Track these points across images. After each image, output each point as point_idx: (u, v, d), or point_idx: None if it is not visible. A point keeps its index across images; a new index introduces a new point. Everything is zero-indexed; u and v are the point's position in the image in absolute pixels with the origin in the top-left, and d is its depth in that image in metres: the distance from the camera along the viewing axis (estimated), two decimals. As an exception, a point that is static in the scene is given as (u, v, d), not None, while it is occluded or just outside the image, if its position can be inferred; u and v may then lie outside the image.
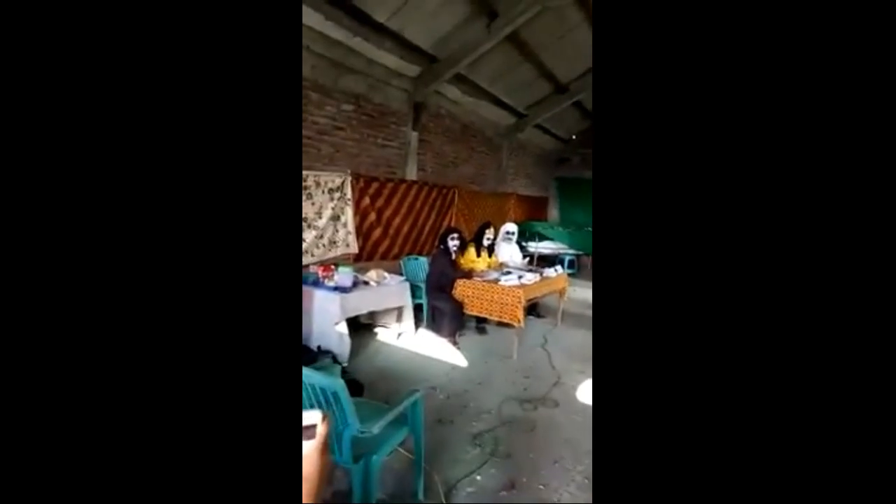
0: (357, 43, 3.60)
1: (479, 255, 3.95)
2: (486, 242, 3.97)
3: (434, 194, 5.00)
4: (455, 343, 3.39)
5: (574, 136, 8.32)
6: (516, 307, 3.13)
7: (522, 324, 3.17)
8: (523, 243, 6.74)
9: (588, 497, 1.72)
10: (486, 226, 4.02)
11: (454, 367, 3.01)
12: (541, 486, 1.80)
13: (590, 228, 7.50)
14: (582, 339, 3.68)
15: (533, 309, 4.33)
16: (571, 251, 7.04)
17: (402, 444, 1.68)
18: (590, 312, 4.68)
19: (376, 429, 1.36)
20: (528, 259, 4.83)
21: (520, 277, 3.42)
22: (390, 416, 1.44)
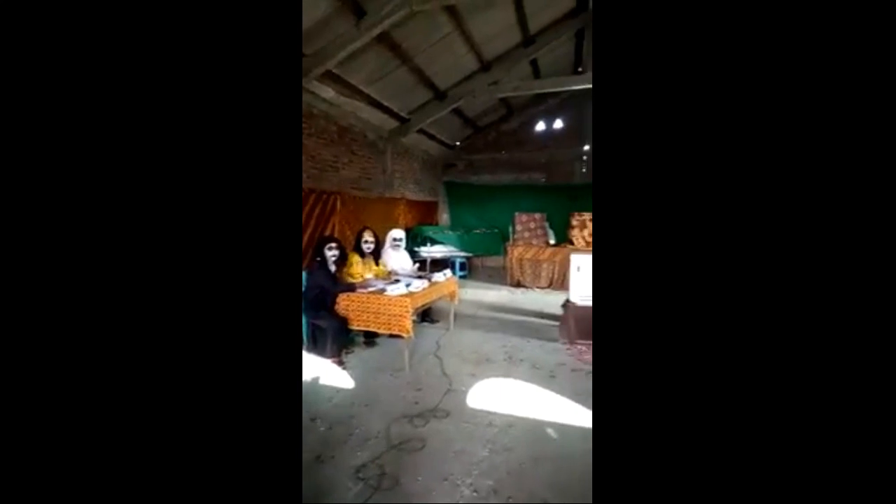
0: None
1: (364, 263, 3.71)
2: (366, 249, 3.75)
3: (312, 200, 4.59)
4: (341, 363, 3.09)
5: (459, 143, 8.62)
6: (404, 317, 2.99)
7: (412, 334, 3.04)
8: (415, 248, 6.68)
9: (478, 512, 1.64)
10: (363, 231, 3.80)
11: (339, 391, 2.72)
12: (430, 512, 1.66)
13: (478, 231, 7.83)
14: (474, 341, 3.71)
15: (426, 315, 4.25)
16: (462, 254, 7.23)
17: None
18: (482, 312, 4.82)
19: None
20: (418, 265, 4.75)
21: (407, 285, 3.29)
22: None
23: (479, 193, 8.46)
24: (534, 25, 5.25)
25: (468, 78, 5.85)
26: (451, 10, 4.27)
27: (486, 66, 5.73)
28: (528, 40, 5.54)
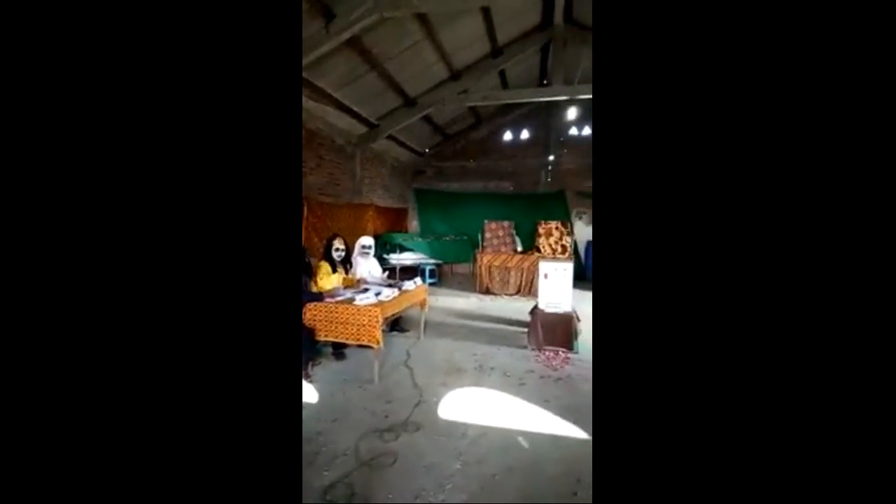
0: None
1: (334, 271, 3.60)
2: (336, 257, 3.65)
3: (278, 208, 4.41)
4: (307, 376, 2.98)
5: (428, 150, 8.63)
6: (374, 327, 2.92)
7: (382, 344, 2.97)
8: (384, 255, 6.60)
9: (451, 528, 1.61)
10: (334, 238, 3.70)
11: (305, 406, 2.61)
12: (402, 531, 1.61)
13: (448, 237, 7.84)
14: (445, 350, 3.69)
15: (396, 323, 4.19)
16: (432, 261, 7.21)
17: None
18: (452, 320, 4.80)
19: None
20: (388, 272, 4.68)
21: (377, 294, 3.23)
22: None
23: (448, 200, 8.50)
24: (502, 37, 5.37)
25: (438, 86, 5.88)
26: (422, 18, 4.28)
27: (455, 75, 5.79)
28: (496, 51, 5.66)
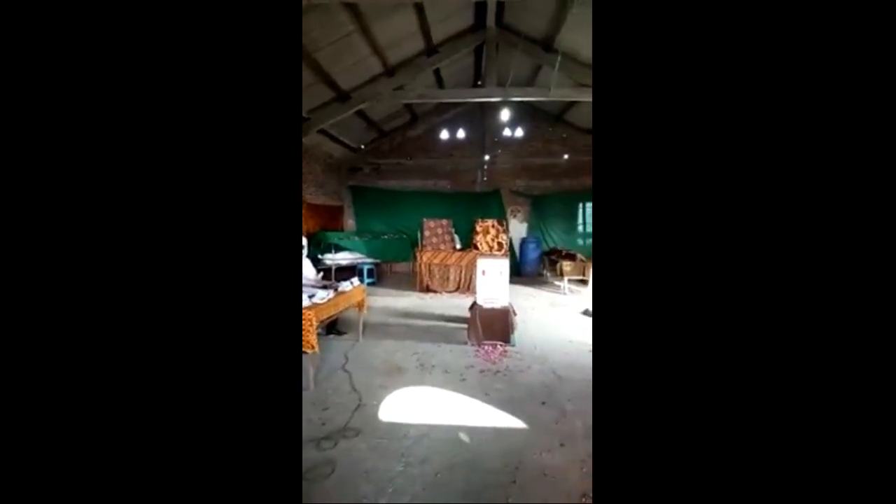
0: None
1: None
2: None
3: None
4: (233, 389, 2.72)
5: (364, 146, 8.39)
6: (308, 331, 2.76)
7: (317, 349, 2.82)
8: (319, 255, 6.29)
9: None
10: None
11: (231, 423, 2.39)
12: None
13: (387, 236, 7.70)
14: (385, 351, 3.60)
15: (333, 326, 4.01)
16: (370, 260, 7.03)
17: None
18: (393, 320, 4.72)
19: None
20: (322, 273, 4.46)
21: (311, 297, 3.05)
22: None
23: (386, 198, 8.34)
24: (436, 35, 5.38)
25: (372, 80, 5.73)
26: (354, 9, 4.13)
27: (390, 71, 5.68)
28: (431, 50, 5.65)
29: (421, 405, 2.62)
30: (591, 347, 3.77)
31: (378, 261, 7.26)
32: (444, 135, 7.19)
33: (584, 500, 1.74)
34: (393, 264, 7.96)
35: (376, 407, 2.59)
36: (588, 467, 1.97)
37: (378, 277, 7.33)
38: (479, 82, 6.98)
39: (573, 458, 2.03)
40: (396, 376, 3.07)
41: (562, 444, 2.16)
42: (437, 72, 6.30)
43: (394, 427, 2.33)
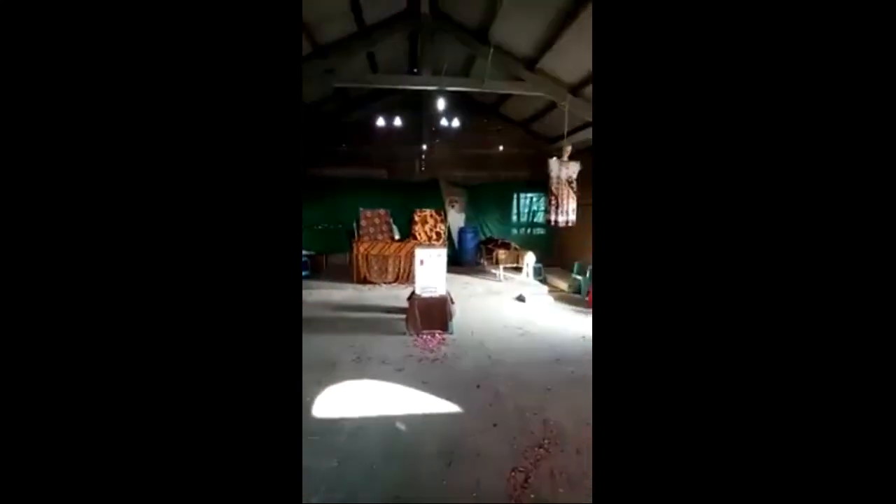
0: None
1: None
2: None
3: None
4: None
5: (294, 131, 7.89)
6: (231, 330, 2.55)
7: (242, 348, 2.63)
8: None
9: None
10: None
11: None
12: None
13: (322, 227, 7.37)
14: (320, 346, 3.47)
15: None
16: (305, 252, 6.70)
17: None
18: (329, 313, 4.55)
19: None
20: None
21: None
22: None
23: (320, 187, 7.96)
24: (369, 18, 5.18)
25: (302, 60, 5.38)
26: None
27: (320, 51, 5.38)
28: (363, 31, 5.44)
29: (357, 398, 2.57)
30: (523, 330, 3.97)
31: (312, 253, 6.95)
32: (381, 122, 7.00)
33: (513, 474, 1.83)
34: (328, 256, 7.66)
35: (309, 404, 2.49)
36: (518, 444, 2.08)
37: (313, 270, 7.02)
38: (415, 70, 6.87)
39: (505, 437, 2.13)
40: (332, 371, 2.98)
41: (494, 425, 2.26)
42: (371, 56, 6.09)
43: (328, 423, 2.27)
